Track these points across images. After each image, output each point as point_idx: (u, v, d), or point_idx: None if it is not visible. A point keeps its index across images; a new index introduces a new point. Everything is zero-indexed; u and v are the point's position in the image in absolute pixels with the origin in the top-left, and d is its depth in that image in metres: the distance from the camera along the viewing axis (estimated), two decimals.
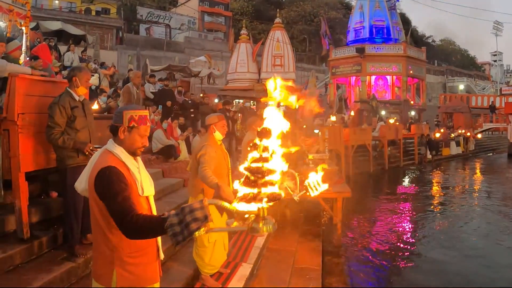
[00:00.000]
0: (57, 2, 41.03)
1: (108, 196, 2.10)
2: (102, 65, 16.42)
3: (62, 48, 16.06)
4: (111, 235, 2.17)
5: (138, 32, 45.15)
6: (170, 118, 10.77)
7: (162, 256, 2.40)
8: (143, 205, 2.27)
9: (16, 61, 4.89)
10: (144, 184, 2.29)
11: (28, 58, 6.52)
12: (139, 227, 1.98)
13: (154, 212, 2.37)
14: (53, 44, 14.60)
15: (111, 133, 2.32)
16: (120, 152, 2.26)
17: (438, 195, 13.68)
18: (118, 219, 2.05)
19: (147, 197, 2.33)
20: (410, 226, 9.59)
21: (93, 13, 41.05)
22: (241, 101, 23.02)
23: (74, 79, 4.15)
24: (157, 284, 2.38)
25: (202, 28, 51.45)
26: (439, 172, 19.57)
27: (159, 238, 2.38)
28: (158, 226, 1.93)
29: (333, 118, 19.16)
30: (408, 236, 8.85)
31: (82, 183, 2.32)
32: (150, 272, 2.31)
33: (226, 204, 2.01)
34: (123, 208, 2.04)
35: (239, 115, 13.75)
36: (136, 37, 41.81)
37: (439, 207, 11.63)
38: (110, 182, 2.11)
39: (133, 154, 2.31)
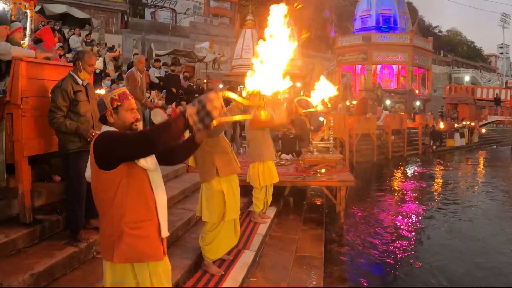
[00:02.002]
0: None
1: (114, 143, 2.11)
2: (110, 49, 16.24)
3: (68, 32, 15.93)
4: (112, 205, 2.17)
5: (143, 16, 44.72)
6: (174, 103, 10.73)
7: (165, 233, 2.34)
8: (140, 176, 2.25)
9: (19, 44, 4.82)
10: None
11: (32, 41, 6.45)
12: (161, 132, 2.01)
13: (154, 189, 2.32)
14: (58, 27, 14.50)
15: (102, 123, 2.36)
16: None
17: (440, 186, 13.62)
18: (140, 144, 2.06)
19: (146, 171, 2.28)
20: (412, 216, 9.56)
21: None
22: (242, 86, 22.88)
23: (78, 63, 4.10)
24: (161, 263, 2.33)
25: (207, 13, 50.84)
26: (442, 163, 19.48)
27: (160, 215, 2.33)
28: (179, 120, 2.01)
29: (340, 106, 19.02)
30: (411, 226, 8.83)
31: (89, 170, 2.30)
32: (150, 247, 2.25)
33: (237, 98, 2.43)
34: (137, 135, 2.12)
35: None
36: (141, 21, 41.43)
37: (442, 198, 11.59)
38: (112, 134, 2.16)
39: (129, 130, 2.32)
